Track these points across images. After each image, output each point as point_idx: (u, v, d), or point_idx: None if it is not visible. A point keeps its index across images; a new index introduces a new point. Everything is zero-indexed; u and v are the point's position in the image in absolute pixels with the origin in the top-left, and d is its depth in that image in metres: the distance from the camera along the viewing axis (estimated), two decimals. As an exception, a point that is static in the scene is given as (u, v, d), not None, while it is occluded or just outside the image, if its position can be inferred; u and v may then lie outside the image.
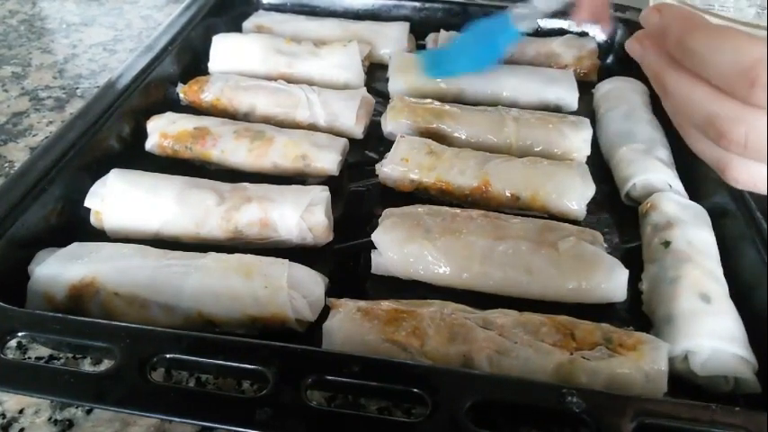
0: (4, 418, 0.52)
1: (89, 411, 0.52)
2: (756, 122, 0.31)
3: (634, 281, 0.63)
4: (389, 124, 0.83)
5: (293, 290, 0.57)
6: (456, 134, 0.81)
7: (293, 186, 0.69)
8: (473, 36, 0.86)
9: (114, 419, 0.52)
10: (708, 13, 0.34)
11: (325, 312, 0.56)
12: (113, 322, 0.50)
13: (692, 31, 0.33)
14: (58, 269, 0.57)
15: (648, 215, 0.69)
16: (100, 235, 0.66)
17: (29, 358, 0.57)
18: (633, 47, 0.39)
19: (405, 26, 1.04)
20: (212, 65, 0.95)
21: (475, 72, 0.85)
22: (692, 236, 0.64)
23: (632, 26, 1.03)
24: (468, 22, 1.06)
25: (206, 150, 0.76)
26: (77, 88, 1.00)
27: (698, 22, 0.33)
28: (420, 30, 1.06)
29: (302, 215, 0.64)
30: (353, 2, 1.10)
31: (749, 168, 0.33)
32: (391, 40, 1.02)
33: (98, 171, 0.68)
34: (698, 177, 0.74)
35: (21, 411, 0.53)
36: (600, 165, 0.82)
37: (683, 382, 0.54)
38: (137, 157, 0.76)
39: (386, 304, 0.55)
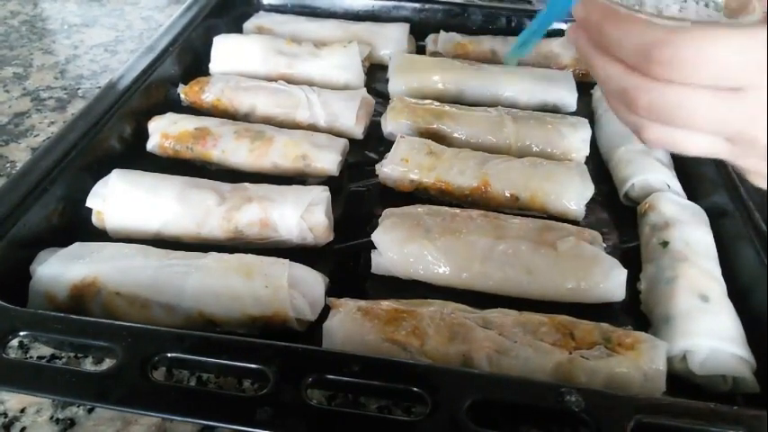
0: (6, 417, 0.52)
1: (91, 410, 0.53)
2: (657, 92, 0.37)
3: (633, 280, 0.63)
4: (389, 125, 0.83)
5: (294, 289, 0.57)
6: (456, 134, 0.81)
7: (293, 186, 0.69)
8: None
9: (116, 418, 0.52)
10: (629, 8, 0.39)
11: (326, 312, 0.56)
12: (115, 322, 0.50)
13: (607, 19, 0.39)
14: (60, 269, 0.57)
15: (647, 215, 0.69)
16: (101, 235, 0.66)
17: (30, 358, 0.57)
18: (570, 36, 0.45)
19: (405, 27, 1.04)
20: (213, 66, 0.95)
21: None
22: (690, 236, 0.64)
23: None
24: (467, 23, 1.07)
25: (207, 151, 0.76)
26: (79, 89, 1.01)
27: (611, 12, 0.39)
28: (420, 31, 1.06)
29: (302, 215, 0.65)
30: (354, 3, 1.10)
31: (656, 129, 0.40)
32: (391, 40, 1.02)
33: (99, 171, 0.69)
34: (696, 177, 0.74)
35: (22, 410, 0.53)
36: (599, 165, 0.82)
37: (682, 381, 0.54)
38: (138, 158, 0.76)
39: (386, 304, 0.56)
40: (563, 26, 1.06)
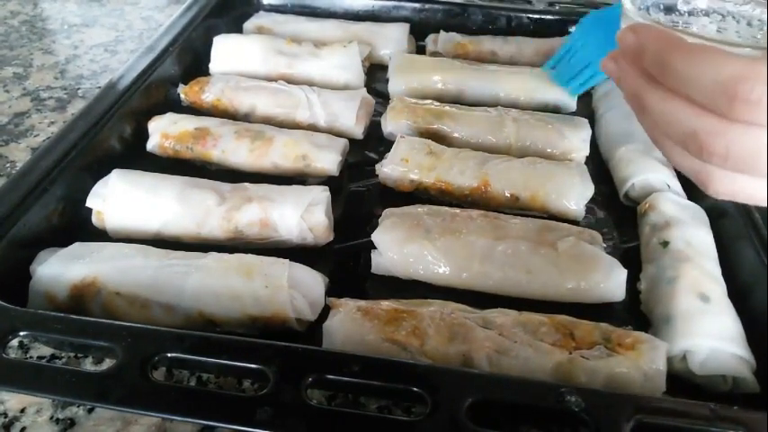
0: (5, 417, 0.52)
1: (91, 410, 0.53)
2: (737, 136, 0.32)
3: (633, 280, 0.63)
4: (389, 125, 0.83)
5: (294, 289, 0.57)
6: (456, 134, 0.81)
7: (293, 186, 0.69)
8: (593, 35, 0.82)
9: (116, 418, 0.52)
10: (691, 35, 0.35)
11: (326, 312, 0.56)
12: (115, 322, 0.50)
13: (671, 50, 0.34)
14: (60, 269, 0.57)
15: (647, 215, 0.69)
16: (101, 235, 0.66)
17: (30, 357, 0.57)
18: (608, 66, 0.40)
19: (405, 27, 1.04)
20: (213, 66, 0.95)
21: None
22: (690, 236, 0.64)
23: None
24: (467, 23, 1.07)
25: (207, 151, 0.76)
26: (79, 89, 1.01)
27: (676, 41, 0.34)
28: (420, 31, 1.06)
29: (302, 215, 0.65)
30: (354, 3, 1.10)
31: (730, 180, 0.35)
32: (391, 40, 1.02)
33: (99, 171, 0.69)
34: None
35: (22, 410, 0.53)
36: (599, 165, 0.82)
37: (682, 381, 0.54)
38: (138, 158, 0.76)
39: (386, 304, 0.56)
40: (563, 26, 1.06)
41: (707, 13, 0.43)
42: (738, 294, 0.59)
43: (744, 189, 0.35)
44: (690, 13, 0.43)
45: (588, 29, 0.84)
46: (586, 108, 0.93)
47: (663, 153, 0.38)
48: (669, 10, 0.43)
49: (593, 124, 0.86)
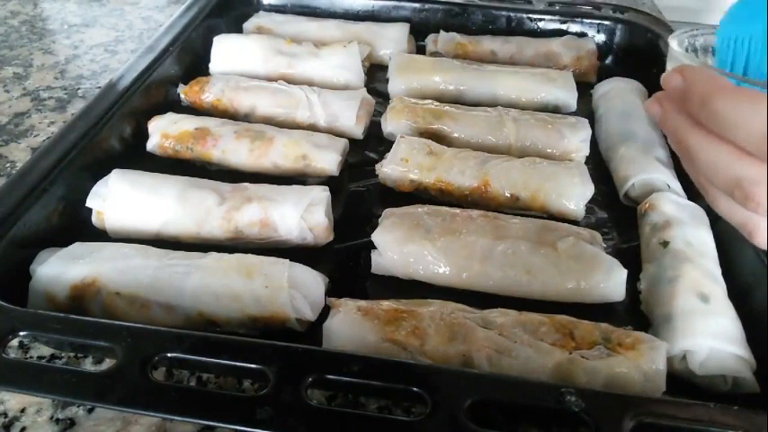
0: (5, 418, 0.52)
1: (91, 410, 0.53)
2: None
3: (633, 280, 0.63)
4: (389, 125, 0.83)
5: (294, 289, 0.57)
6: (456, 134, 0.81)
7: (294, 186, 0.69)
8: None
9: (116, 418, 0.52)
10: (722, 73, 0.34)
11: (326, 312, 0.56)
12: (115, 322, 0.50)
13: (717, 94, 0.33)
14: (60, 269, 0.57)
15: (647, 215, 0.69)
16: (101, 235, 0.66)
17: (30, 358, 0.57)
18: (652, 108, 0.39)
19: (405, 27, 1.04)
20: (213, 66, 0.95)
21: None
22: (690, 236, 0.64)
23: (632, 27, 1.03)
24: (467, 23, 1.07)
25: (207, 151, 0.76)
26: (79, 89, 1.01)
27: (722, 84, 0.33)
28: (420, 31, 1.06)
29: (302, 215, 0.65)
30: (353, 3, 1.10)
31: None
32: (391, 41, 1.02)
33: (99, 171, 0.69)
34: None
35: (22, 410, 0.53)
36: (599, 165, 0.82)
37: (682, 381, 0.54)
38: (138, 158, 0.76)
39: (386, 304, 0.56)
40: (563, 26, 1.06)
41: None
42: (738, 294, 0.59)
43: None
44: None
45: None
46: (586, 108, 0.93)
47: (708, 201, 0.37)
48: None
49: (593, 124, 0.86)
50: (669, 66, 0.41)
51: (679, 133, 0.36)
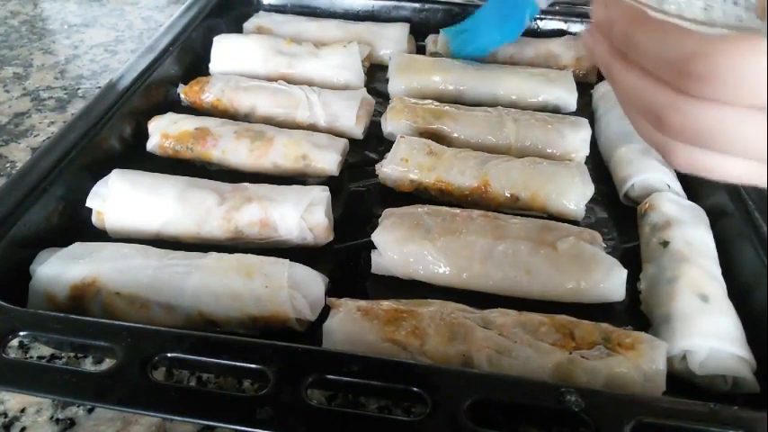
0: (6, 417, 0.52)
1: (91, 410, 0.53)
2: (690, 110, 0.33)
3: (633, 280, 0.63)
4: (389, 125, 0.83)
5: (294, 289, 0.57)
6: (456, 134, 0.81)
7: (294, 186, 0.69)
8: (495, 10, 0.85)
9: (116, 418, 0.52)
10: (658, 11, 0.35)
11: (326, 312, 0.56)
12: (115, 322, 0.50)
13: (635, 25, 0.35)
14: (60, 269, 0.57)
15: (647, 215, 0.69)
16: (101, 235, 0.66)
17: (30, 358, 0.57)
18: (586, 39, 0.41)
19: (405, 27, 1.04)
20: (213, 66, 0.95)
21: (499, 46, 0.82)
22: (690, 236, 0.64)
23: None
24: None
25: (207, 151, 0.76)
26: (79, 89, 1.01)
27: (640, 17, 0.35)
28: (420, 31, 1.06)
29: (302, 215, 0.65)
30: (353, 3, 1.10)
31: (687, 152, 0.35)
32: (391, 41, 1.02)
33: (99, 171, 0.69)
34: (696, 177, 0.74)
35: (22, 410, 0.53)
36: (599, 165, 0.82)
37: (682, 381, 0.54)
38: (138, 158, 0.76)
39: (386, 304, 0.56)
40: (563, 26, 1.06)
41: None
42: (738, 294, 0.59)
43: (702, 163, 0.36)
44: None
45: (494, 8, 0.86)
46: (586, 108, 0.93)
47: (632, 125, 0.39)
48: None
49: (593, 124, 0.86)
50: None
51: (605, 62, 0.38)
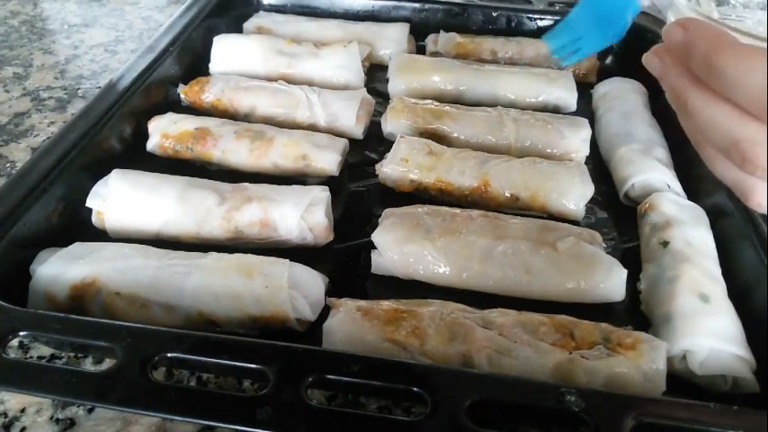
0: (6, 417, 0.52)
1: (91, 410, 0.53)
2: None
3: (633, 280, 0.63)
4: (389, 125, 0.83)
5: (294, 289, 0.57)
6: (456, 134, 0.81)
7: (293, 186, 0.69)
8: (591, 14, 0.82)
9: (116, 418, 0.52)
10: (726, 27, 0.33)
11: (326, 312, 0.56)
12: (115, 322, 0.50)
13: (721, 50, 0.31)
14: (60, 269, 0.57)
15: (647, 215, 0.69)
16: (101, 235, 0.66)
17: (30, 358, 0.57)
18: (651, 61, 0.37)
19: (405, 27, 1.04)
20: (213, 66, 0.95)
21: (601, 47, 0.78)
22: (690, 236, 0.64)
23: (632, 27, 1.03)
24: (467, 23, 1.07)
25: (207, 151, 0.76)
26: (79, 89, 1.01)
27: (727, 41, 0.32)
28: (420, 31, 1.06)
29: (302, 215, 0.65)
30: (353, 3, 1.10)
31: None
32: (391, 41, 1.02)
33: (99, 171, 0.69)
34: (696, 177, 0.74)
35: (22, 410, 0.53)
36: (599, 165, 0.82)
37: (682, 381, 0.54)
38: (138, 158, 0.76)
39: (386, 304, 0.56)
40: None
41: (764, 7, 0.40)
42: (738, 294, 0.59)
43: None
44: (745, 6, 0.40)
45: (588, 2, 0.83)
46: (586, 108, 0.93)
47: (703, 159, 0.36)
48: (722, 2, 0.41)
49: (593, 124, 0.86)
50: (671, 17, 0.39)
51: (678, 89, 0.35)
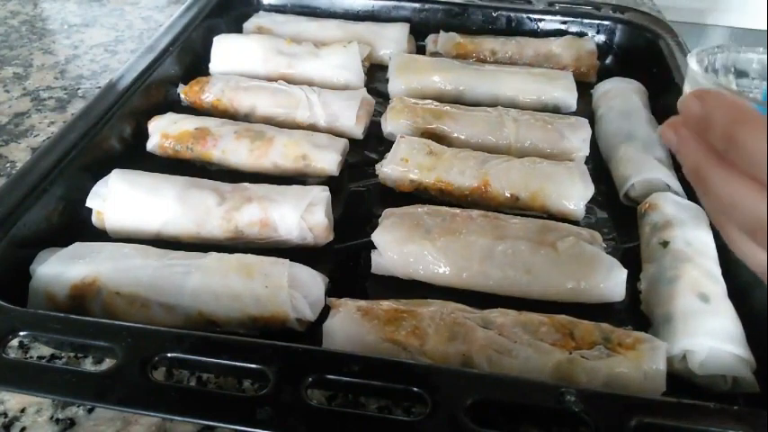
0: (5, 418, 0.52)
1: (91, 410, 0.53)
2: None
3: (633, 280, 0.63)
4: (389, 125, 0.83)
5: (294, 289, 0.57)
6: (456, 134, 0.81)
7: (293, 186, 0.69)
8: None
9: (116, 418, 0.52)
10: (747, 98, 0.31)
11: (326, 312, 0.56)
12: (115, 322, 0.50)
13: (742, 123, 0.29)
14: (60, 269, 0.57)
15: (647, 215, 0.69)
16: (101, 235, 0.66)
17: (30, 357, 0.57)
18: (667, 134, 0.34)
19: (405, 27, 1.04)
20: (213, 65, 0.95)
21: None
22: (690, 236, 0.64)
23: (632, 27, 1.03)
24: (467, 23, 1.07)
25: (207, 151, 0.76)
26: (79, 89, 1.01)
27: (748, 113, 0.30)
28: (420, 31, 1.06)
29: (302, 215, 0.65)
30: (353, 3, 1.10)
31: None
32: (391, 41, 1.02)
33: (99, 171, 0.69)
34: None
35: (22, 410, 0.53)
36: (599, 165, 0.82)
37: (682, 381, 0.54)
38: (138, 158, 0.76)
39: (386, 304, 0.56)
40: (563, 26, 1.06)
41: None
42: (738, 294, 0.59)
43: None
44: (762, 78, 0.38)
45: None
46: (586, 108, 0.93)
47: (725, 239, 0.34)
48: (741, 74, 0.38)
49: (593, 124, 0.86)
50: (687, 88, 0.37)
51: (697, 164, 0.33)
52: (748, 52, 0.39)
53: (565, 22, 1.06)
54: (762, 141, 0.28)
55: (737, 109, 0.30)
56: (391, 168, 0.74)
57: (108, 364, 0.55)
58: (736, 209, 0.31)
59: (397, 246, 0.63)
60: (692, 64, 0.37)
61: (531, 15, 1.07)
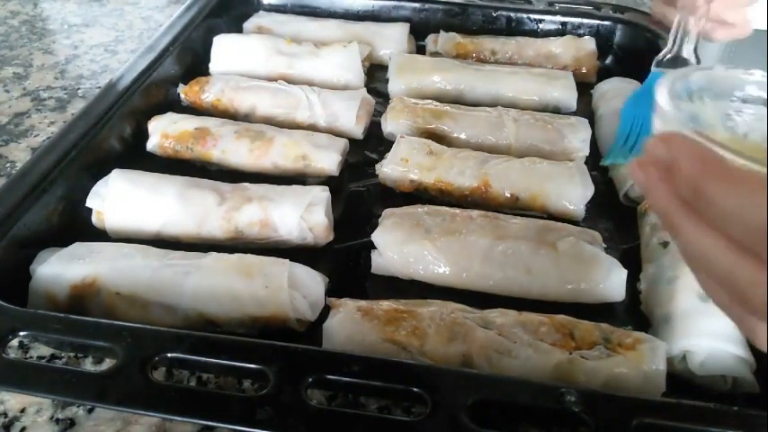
0: (5, 417, 0.52)
1: (91, 410, 0.53)
2: None
3: (633, 281, 0.63)
4: (389, 125, 0.83)
5: (294, 289, 0.57)
6: (456, 135, 0.81)
7: (293, 186, 0.69)
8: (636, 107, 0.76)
9: (116, 418, 0.52)
10: (717, 144, 0.28)
11: (326, 312, 0.56)
12: (115, 322, 0.50)
13: (708, 176, 0.28)
14: (60, 269, 0.57)
15: (647, 215, 0.69)
16: (101, 235, 0.66)
17: (30, 358, 0.57)
18: (637, 175, 0.32)
19: (405, 27, 1.04)
20: (213, 65, 0.95)
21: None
22: (690, 236, 0.64)
23: (632, 27, 1.03)
24: (467, 23, 1.07)
25: (207, 151, 0.76)
26: (79, 89, 1.01)
27: (714, 165, 0.28)
28: (420, 31, 1.06)
29: (302, 215, 0.65)
30: (354, 3, 1.10)
31: None
32: (391, 40, 1.02)
33: (99, 171, 0.69)
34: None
35: (22, 410, 0.53)
36: (599, 165, 0.82)
37: (682, 381, 0.54)
38: (138, 158, 0.76)
39: (386, 304, 0.56)
40: (563, 26, 1.06)
41: (764, 102, 0.36)
42: (738, 294, 0.59)
43: None
44: (745, 101, 0.37)
45: (632, 108, 0.77)
46: (586, 108, 0.93)
47: (699, 285, 0.33)
48: (720, 96, 0.37)
49: (593, 124, 0.86)
50: (656, 122, 0.34)
51: (666, 211, 0.31)
52: (728, 71, 0.37)
53: (565, 23, 1.06)
54: (731, 197, 0.27)
55: (706, 160, 0.28)
56: (391, 168, 0.74)
57: (108, 364, 0.55)
58: (707, 261, 0.30)
59: (397, 246, 0.63)
60: (662, 99, 0.34)
61: (531, 15, 1.07)
